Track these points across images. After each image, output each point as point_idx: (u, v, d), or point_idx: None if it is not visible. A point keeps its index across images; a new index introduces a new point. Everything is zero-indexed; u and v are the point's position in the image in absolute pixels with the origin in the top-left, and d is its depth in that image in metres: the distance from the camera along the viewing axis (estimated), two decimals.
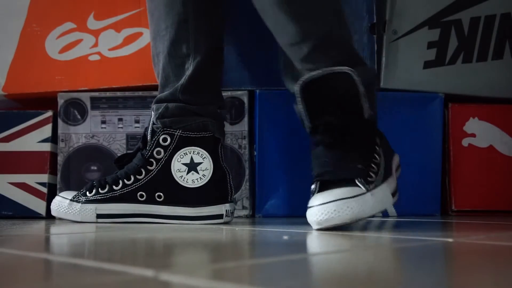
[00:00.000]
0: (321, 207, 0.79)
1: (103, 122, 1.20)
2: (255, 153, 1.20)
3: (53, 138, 1.21)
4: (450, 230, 0.91)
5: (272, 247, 0.65)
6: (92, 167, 1.20)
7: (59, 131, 1.20)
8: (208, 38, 1.03)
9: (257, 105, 1.20)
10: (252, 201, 1.21)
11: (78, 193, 1.03)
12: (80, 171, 1.20)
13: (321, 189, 0.84)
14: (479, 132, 1.26)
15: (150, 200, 0.99)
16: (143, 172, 1.00)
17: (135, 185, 1.00)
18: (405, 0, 1.23)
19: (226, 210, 1.00)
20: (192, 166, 0.99)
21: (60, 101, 1.20)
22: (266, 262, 0.51)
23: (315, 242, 0.70)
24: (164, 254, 0.59)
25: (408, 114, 1.23)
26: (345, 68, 0.87)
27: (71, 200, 1.02)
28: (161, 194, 0.99)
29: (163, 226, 0.94)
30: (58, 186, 1.19)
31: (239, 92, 1.20)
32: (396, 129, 1.23)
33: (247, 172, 1.20)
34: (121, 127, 1.20)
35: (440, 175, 1.25)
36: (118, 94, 1.20)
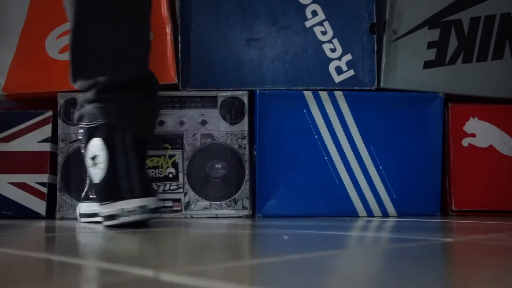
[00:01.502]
0: None
1: None
2: (255, 153, 1.20)
3: (53, 138, 1.21)
4: (450, 230, 0.91)
5: (272, 247, 0.65)
6: None
7: (59, 131, 1.20)
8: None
9: (257, 105, 1.20)
10: (252, 201, 1.21)
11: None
12: (80, 171, 1.19)
13: None
14: (479, 132, 1.26)
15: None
16: None
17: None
18: (405, 0, 1.23)
19: (122, 209, 0.86)
20: (94, 160, 0.89)
21: (60, 101, 1.20)
22: (266, 262, 0.51)
23: (315, 242, 0.70)
24: (164, 254, 0.59)
25: (408, 114, 1.23)
26: None
27: None
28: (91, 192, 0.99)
29: (163, 227, 0.93)
30: (58, 186, 1.19)
31: (239, 92, 1.20)
32: (396, 129, 1.23)
33: (247, 172, 1.20)
34: None
35: (440, 175, 1.25)
36: None
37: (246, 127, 1.20)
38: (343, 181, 1.21)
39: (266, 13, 1.23)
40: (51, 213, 1.19)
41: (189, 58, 1.22)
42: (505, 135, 1.27)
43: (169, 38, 1.22)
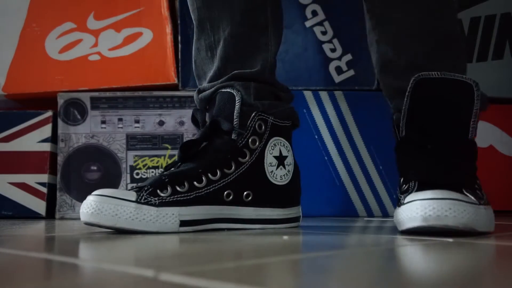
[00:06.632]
0: (431, 202, 0.66)
1: (103, 122, 1.20)
2: None
3: (53, 138, 1.21)
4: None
5: (272, 247, 0.65)
6: (92, 167, 1.20)
7: (59, 131, 1.20)
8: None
9: None
10: None
11: (140, 191, 0.75)
12: (80, 171, 1.20)
13: (421, 188, 0.72)
14: (479, 132, 1.26)
15: (237, 201, 0.81)
16: (233, 165, 0.81)
17: (223, 182, 0.80)
18: None
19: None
20: (281, 160, 0.85)
21: (60, 101, 1.20)
22: (266, 262, 0.51)
23: (314, 242, 0.70)
24: (164, 255, 0.59)
25: None
26: (468, 79, 0.76)
27: (137, 202, 0.74)
28: (250, 192, 0.82)
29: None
30: (58, 186, 1.19)
31: None
32: None
33: None
34: (121, 127, 1.20)
35: None
36: (118, 94, 1.20)
37: None
38: (343, 181, 1.21)
39: None
40: (51, 213, 1.19)
41: (189, 58, 1.22)
42: (505, 135, 1.27)
43: (169, 38, 1.22)
